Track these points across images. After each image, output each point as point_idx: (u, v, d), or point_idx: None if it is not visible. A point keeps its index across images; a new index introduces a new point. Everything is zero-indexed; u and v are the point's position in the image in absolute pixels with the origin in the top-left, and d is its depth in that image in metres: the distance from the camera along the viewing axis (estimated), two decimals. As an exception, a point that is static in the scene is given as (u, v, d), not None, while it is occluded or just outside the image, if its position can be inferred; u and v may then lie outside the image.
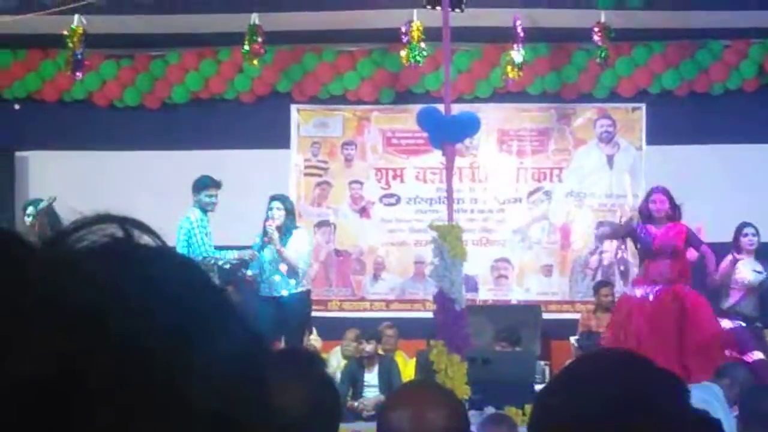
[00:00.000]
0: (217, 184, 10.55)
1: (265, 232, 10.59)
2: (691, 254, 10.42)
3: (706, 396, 5.55)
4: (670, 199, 10.18)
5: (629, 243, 11.33)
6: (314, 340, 11.74)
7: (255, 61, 12.14)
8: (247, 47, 12.05)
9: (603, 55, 11.82)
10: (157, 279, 0.75)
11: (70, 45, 11.67)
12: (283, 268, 10.63)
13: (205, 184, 10.55)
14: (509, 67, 12.12)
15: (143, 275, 0.74)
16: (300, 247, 10.73)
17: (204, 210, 10.51)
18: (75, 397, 0.68)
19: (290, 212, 10.78)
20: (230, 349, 0.75)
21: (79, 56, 11.89)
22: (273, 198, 10.78)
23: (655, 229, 10.09)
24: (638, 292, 10.10)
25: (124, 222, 0.77)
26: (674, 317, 9.85)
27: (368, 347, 11.01)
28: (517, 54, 12.04)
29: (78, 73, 11.97)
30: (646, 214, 10.20)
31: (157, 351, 0.71)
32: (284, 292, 10.61)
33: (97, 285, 0.71)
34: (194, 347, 0.73)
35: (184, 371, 0.72)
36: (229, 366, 0.75)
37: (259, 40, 11.96)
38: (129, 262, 0.75)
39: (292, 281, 10.67)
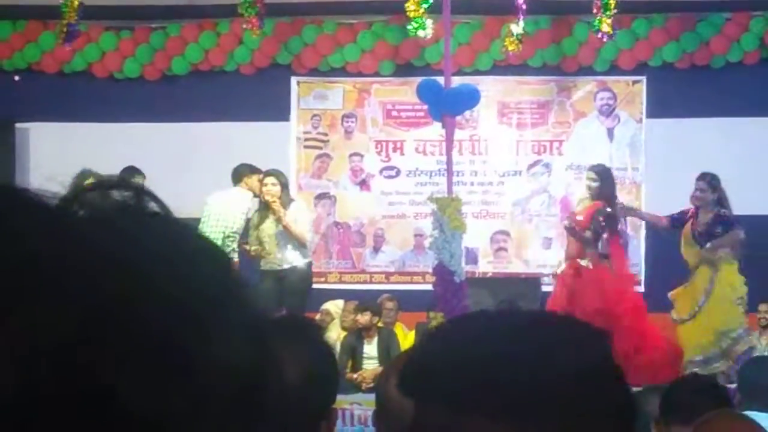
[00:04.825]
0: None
1: (268, 207, 10.58)
2: None
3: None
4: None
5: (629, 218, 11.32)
6: (333, 304, 11.61)
7: (247, 33, 11.99)
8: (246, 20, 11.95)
9: (598, 24, 11.65)
10: (169, 253, 0.70)
11: (66, 15, 11.60)
12: (291, 241, 10.63)
13: (253, 170, 10.95)
14: (508, 40, 12.05)
15: (153, 248, 0.70)
16: (301, 218, 10.75)
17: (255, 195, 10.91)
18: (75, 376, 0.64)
19: (285, 186, 10.80)
20: (237, 342, 0.70)
21: (74, 27, 11.83)
22: (267, 174, 10.76)
23: None
24: None
25: (138, 190, 0.74)
26: None
27: (362, 319, 10.93)
28: (516, 26, 11.94)
29: (68, 44, 11.91)
30: None
31: (158, 332, 0.66)
32: (290, 265, 10.62)
33: (101, 256, 0.67)
34: (197, 334, 0.68)
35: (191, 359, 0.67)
36: (233, 364, 0.70)
37: (258, 8, 11.84)
38: (138, 231, 0.71)
39: (299, 253, 10.69)
